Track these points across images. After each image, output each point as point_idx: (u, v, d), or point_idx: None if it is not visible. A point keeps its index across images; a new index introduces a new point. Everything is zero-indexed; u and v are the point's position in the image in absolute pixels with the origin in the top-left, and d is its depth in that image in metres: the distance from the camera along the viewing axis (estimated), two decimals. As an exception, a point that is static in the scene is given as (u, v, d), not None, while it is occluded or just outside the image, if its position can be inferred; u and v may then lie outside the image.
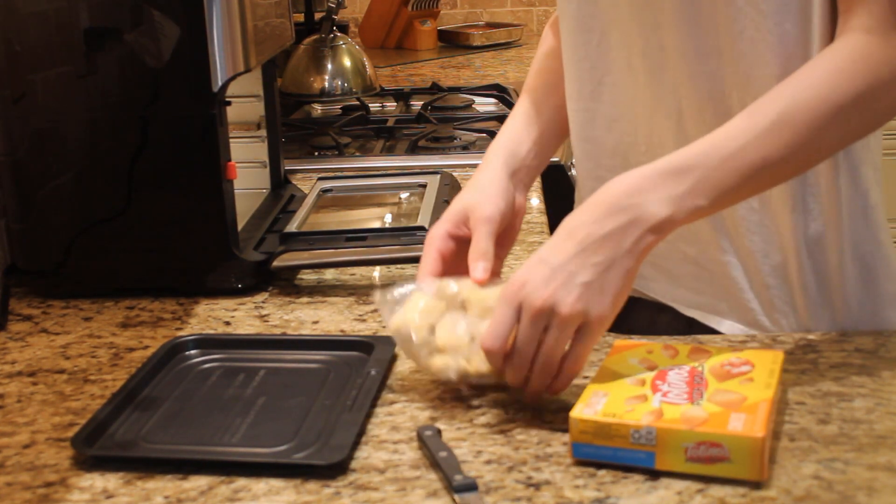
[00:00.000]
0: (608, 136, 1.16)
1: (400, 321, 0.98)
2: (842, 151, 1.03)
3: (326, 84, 2.18)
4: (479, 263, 1.01)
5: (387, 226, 1.43)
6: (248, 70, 1.24)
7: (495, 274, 1.04)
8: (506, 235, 1.11)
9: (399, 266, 1.32)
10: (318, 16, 2.41)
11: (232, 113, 1.26)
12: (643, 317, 1.23)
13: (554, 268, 0.88)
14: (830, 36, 0.99)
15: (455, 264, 1.06)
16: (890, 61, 0.93)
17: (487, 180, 1.12)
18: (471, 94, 2.36)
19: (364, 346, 1.06)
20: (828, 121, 0.92)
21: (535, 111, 1.21)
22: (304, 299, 1.23)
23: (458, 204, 1.10)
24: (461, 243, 1.07)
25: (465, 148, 1.91)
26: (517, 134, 1.20)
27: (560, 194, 1.65)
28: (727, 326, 1.13)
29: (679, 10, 1.04)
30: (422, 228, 1.27)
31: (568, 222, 0.91)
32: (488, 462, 0.86)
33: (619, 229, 0.88)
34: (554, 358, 0.89)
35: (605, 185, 0.91)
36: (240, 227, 1.30)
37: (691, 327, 1.16)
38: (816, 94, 0.92)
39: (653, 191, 0.89)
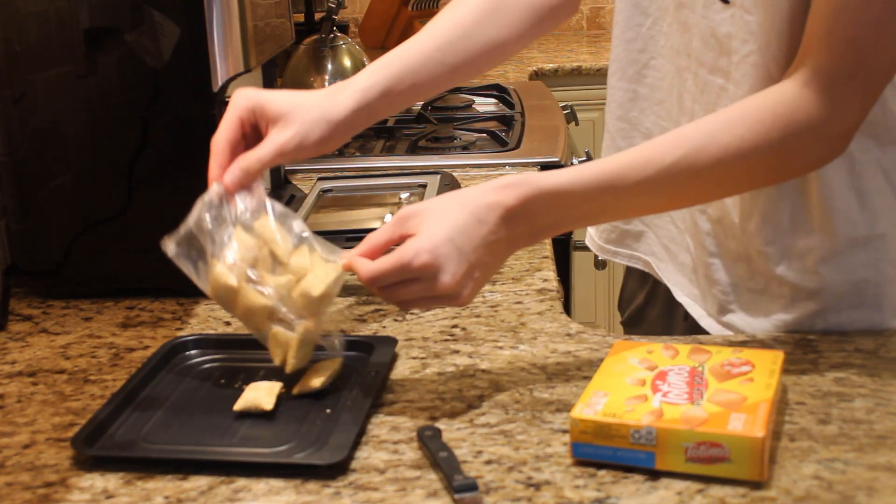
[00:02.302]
0: (645, 118, 1.18)
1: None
2: (848, 175, 1.02)
3: (326, 84, 2.17)
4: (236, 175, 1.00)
5: (387, 226, 1.43)
6: (248, 70, 1.24)
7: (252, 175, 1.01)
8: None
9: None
10: (318, 16, 2.40)
11: (232, 113, 1.25)
12: (661, 303, 1.27)
13: (461, 254, 0.92)
14: None
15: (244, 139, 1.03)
16: (813, 119, 0.93)
17: (337, 109, 1.05)
18: (471, 94, 2.36)
19: (364, 346, 1.06)
20: (733, 169, 0.95)
21: (444, 52, 1.16)
22: (304, 299, 1.23)
23: (291, 98, 1.03)
24: (255, 126, 1.03)
25: (465, 148, 1.91)
26: (413, 65, 1.13)
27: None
28: (708, 323, 1.15)
29: (705, 17, 1.05)
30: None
31: (477, 208, 0.93)
32: (488, 462, 0.86)
33: (510, 237, 0.94)
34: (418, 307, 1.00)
35: (502, 187, 0.94)
36: (240, 227, 1.30)
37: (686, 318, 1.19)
38: (727, 143, 0.93)
39: (546, 211, 0.94)
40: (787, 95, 0.94)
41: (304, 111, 1.03)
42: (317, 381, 0.98)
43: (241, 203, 1.00)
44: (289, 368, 0.97)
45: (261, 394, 0.95)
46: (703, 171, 0.94)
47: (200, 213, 0.99)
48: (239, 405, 0.94)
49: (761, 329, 1.09)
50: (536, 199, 0.93)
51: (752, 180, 0.98)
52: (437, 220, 0.93)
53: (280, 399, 0.96)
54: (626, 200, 0.96)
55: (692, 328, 1.18)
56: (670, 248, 1.21)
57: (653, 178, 0.94)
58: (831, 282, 1.05)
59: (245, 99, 1.02)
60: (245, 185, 1.00)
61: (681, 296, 1.20)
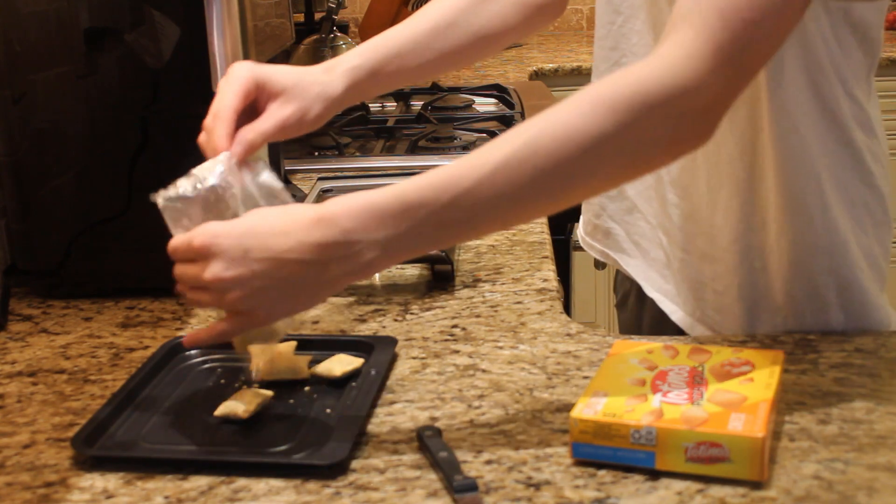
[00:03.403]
0: None
1: None
2: (815, 183, 1.01)
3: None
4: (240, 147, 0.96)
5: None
6: (248, 70, 1.24)
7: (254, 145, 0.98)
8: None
9: (399, 266, 1.32)
10: (318, 16, 2.40)
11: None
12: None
13: (247, 258, 0.85)
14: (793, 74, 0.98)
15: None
16: (667, 88, 0.84)
17: (333, 85, 1.05)
18: (471, 94, 2.36)
19: (364, 346, 1.06)
20: (578, 152, 0.83)
21: (432, 37, 1.15)
22: (304, 299, 1.23)
23: (291, 73, 1.02)
24: (253, 100, 1.01)
25: (465, 148, 1.91)
26: (402, 46, 1.12)
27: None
28: (679, 317, 1.16)
29: (670, 13, 1.05)
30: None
31: (290, 218, 0.86)
32: (488, 462, 0.86)
33: (324, 262, 0.85)
34: (203, 306, 0.91)
35: (333, 204, 0.85)
36: (240, 227, 1.30)
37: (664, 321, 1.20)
38: (567, 122, 0.84)
39: (373, 230, 0.84)
40: (639, 67, 0.85)
41: (304, 87, 1.03)
42: (337, 370, 0.99)
43: (247, 177, 0.97)
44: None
45: (241, 401, 0.94)
46: (546, 159, 0.83)
47: (208, 178, 0.94)
48: (219, 411, 0.94)
49: (729, 329, 1.10)
50: (356, 216, 0.84)
51: (606, 163, 0.85)
52: (252, 214, 0.89)
53: (279, 399, 0.97)
54: (467, 209, 0.84)
55: (659, 322, 1.19)
56: (641, 245, 1.22)
57: (492, 175, 0.83)
58: (792, 286, 1.05)
59: (249, 72, 1.00)
60: (245, 158, 0.98)
61: (651, 291, 1.21)
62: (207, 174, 0.94)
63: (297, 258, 0.85)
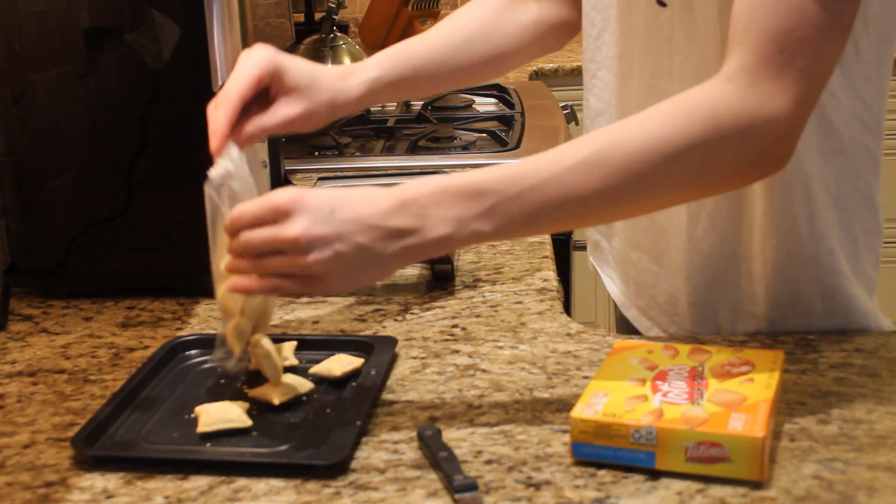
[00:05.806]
0: (593, 128, 1.20)
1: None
2: (802, 192, 1.00)
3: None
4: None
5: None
6: (248, 70, 1.24)
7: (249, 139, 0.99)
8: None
9: (399, 266, 1.32)
10: (318, 16, 2.40)
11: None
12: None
13: (332, 218, 0.86)
14: None
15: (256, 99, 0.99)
16: (737, 114, 0.85)
17: (347, 94, 1.06)
18: (471, 94, 2.36)
19: (364, 346, 1.06)
20: (648, 167, 0.86)
21: (449, 54, 1.17)
22: (304, 299, 1.23)
23: (308, 72, 1.03)
24: (268, 86, 1.01)
25: (465, 148, 1.91)
26: (423, 59, 1.14)
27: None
28: (655, 333, 1.17)
29: (646, 21, 1.06)
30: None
31: (372, 192, 0.89)
32: (488, 462, 0.86)
33: (396, 231, 0.87)
34: (265, 270, 0.88)
35: (410, 182, 0.89)
36: (240, 227, 1.30)
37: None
38: (641, 137, 0.86)
39: (444, 208, 0.87)
40: (710, 91, 0.87)
41: (317, 91, 1.03)
42: (337, 370, 0.99)
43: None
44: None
45: (232, 414, 0.93)
46: (616, 169, 0.86)
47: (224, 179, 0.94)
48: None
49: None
50: (431, 194, 0.87)
51: (674, 182, 0.88)
52: (330, 189, 0.89)
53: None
54: (534, 204, 0.87)
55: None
56: (619, 263, 1.23)
57: (561, 176, 0.86)
58: (776, 292, 1.05)
59: (267, 60, 0.99)
60: (244, 146, 0.97)
61: (630, 308, 1.22)
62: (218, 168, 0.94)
63: (378, 224, 0.87)
